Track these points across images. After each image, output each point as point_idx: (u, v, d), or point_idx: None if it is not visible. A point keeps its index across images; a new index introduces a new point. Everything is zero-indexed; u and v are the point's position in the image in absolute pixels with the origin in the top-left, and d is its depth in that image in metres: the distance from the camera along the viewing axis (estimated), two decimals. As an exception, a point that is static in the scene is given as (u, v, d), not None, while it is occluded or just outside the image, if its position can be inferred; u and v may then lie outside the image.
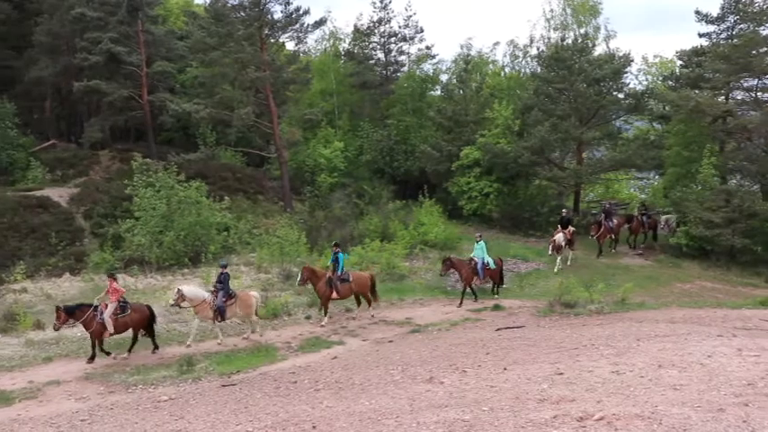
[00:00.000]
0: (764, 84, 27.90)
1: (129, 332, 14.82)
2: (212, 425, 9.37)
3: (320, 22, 34.28)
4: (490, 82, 37.08)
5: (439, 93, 37.98)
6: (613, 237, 26.50)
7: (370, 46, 39.29)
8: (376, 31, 38.63)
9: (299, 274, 17.73)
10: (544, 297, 19.56)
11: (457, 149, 31.30)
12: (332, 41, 41.70)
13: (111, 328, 14.20)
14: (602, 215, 26.56)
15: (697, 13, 29.93)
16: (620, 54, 31.37)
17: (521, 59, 39.05)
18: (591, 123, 30.90)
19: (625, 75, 31.68)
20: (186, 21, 37.73)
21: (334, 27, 41.48)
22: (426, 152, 32.63)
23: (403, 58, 39.61)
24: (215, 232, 24.36)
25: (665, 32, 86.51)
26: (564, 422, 7.13)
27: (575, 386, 9.07)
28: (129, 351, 14.73)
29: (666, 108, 31.07)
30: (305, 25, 32.69)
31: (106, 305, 14.30)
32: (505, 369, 10.80)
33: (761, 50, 26.69)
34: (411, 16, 38.46)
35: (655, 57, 39.54)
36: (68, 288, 20.86)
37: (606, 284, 19.48)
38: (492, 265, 20.13)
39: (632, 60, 31.52)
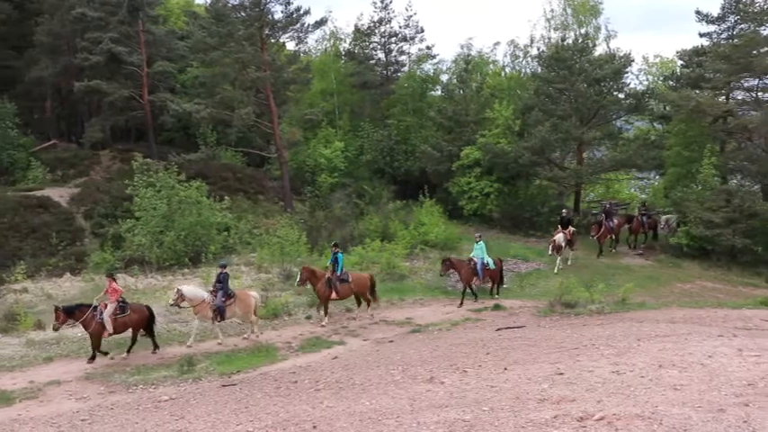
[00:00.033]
0: (765, 84, 27.91)
1: (129, 332, 14.82)
2: (213, 425, 9.37)
3: (321, 22, 34.35)
4: (491, 82, 37.07)
5: (439, 93, 37.96)
6: (614, 237, 26.52)
7: (371, 46, 39.29)
8: (376, 31, 38.62)
9: (298, 275, 17.74)
10: (545, 297, 19.56)
11: (457, 149, 31.28)
12: (332, 41, 41.74)
13: (110, 328, 14.20)
14: (603, 215, 26.57)
15: (698, 12, 29.94)
16: (621, 54, 31.38)
17: (521, 59, 39.13)
18: (591, 123, 30.88)
19: (626, 75, 31.68)
20: (187, 21, 37.75)
21: (335, 27, 41.57)
22: (427, 152, 32.62)
23: (403, 58, 39.64)
24: (215, 232, 24.37)
25: (665, 32, 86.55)
26: (564, 422, 7.13)
27: (575, 386, 9.07)
28: (128, 351, 14.72)
29: (667, 108, 31.05)
30: (305, 25, 32.75)
31: (106, 305, 14.31)
32: (506, 369, 10.80)
33: (761, 50, 26.68)
34: (411, 16, 38.51)
35: (655, 57, 39.68)
36: (69, 288, 20.88)
37: (607, 284, 19.49)
38: (491, 266, 20.11)
39: (633, 60, 31.58)
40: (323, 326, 17.15)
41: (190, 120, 32.71)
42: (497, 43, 61.13)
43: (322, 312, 17.65)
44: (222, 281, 15.78)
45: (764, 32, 27.32)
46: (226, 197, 26.05)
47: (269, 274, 22.02)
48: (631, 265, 24.85)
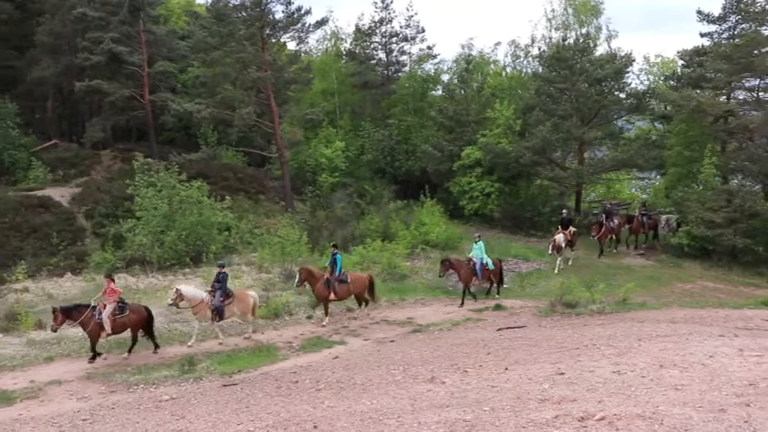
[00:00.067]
0: (766, 83, 27.89)
1: (129, 332, 14.83)
2: (213, 424, 9.37)
3: (322, 22, 34.38)
4: (491, 82, 37.04)
5: (440, 93, 37.93)
6: (614, 237, 26.51)
7: (372, 46, 39.28)
8: (377, 30, 38.61)
9: (297, 275, 17.74)
10: (545, 297, 19.56)
11: (458, 149, 31.26)
12: (333, 41, 41.76)
13: (108, 329, 14.21)
14: (603, 215, 26.56)
15: (699, 12, 29.89)
16: (622, 54, 31.41)
17: (522, 59, 39.08)
18: (592, 123, 30.88)
19: (626, 74, 31.69)
20: (188, 20, 37.78)
21: (336, 27, 41.59)
22: (427, 152, 32.61)
23: (404, 57, 39.62)
24: (216, 232, 24.37)
25: (665, 32, 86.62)
26: (565, 422, 7.13)
27: (576, 386, 9.06)
28: (129, 351, 14.73)
29: (668, 108, 31.02)
30: (306, 25, 32.77)
31: (104, 305, 14.31)
32: (507, 369, 10.80)
33: (762, 50, 26.66)
34: (412, 16, 38.47)
35: (656, 56, 39.61)
36: (70, 288, 20.88)
37: (607, 284, 19.48)
38: (491, 266, 20.08)
39: (634, 60, 31.62)
40: (324, 326, 17.16)
41: (191, 119, 32.73)
42: (498, 43, 61.46)
43: (323, 312, 17.66)
44: (221, 281, 15.79)
45: (766, 32, 27.27)
46: (227, 197, 26.04)
47: (270, 273, 22.03)
48: (632, 265, 24.84)
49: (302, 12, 31.87)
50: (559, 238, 23.68)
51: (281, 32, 33.04)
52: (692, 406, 7.46)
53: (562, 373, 9.92)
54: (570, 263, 24.21)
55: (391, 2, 38.05)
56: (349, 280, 17.79)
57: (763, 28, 27.52)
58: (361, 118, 37.77)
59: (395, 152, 35.32)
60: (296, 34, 33.55)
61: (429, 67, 39.70)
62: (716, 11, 29.60)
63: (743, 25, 28.70)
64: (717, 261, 25.12)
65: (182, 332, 16.63)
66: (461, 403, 8.74)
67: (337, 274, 17.60)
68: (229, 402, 10.67)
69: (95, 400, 11.67)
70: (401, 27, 38.50)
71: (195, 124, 33.67)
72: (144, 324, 14.92)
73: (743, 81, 28.02)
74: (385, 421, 8.13)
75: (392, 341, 15.38)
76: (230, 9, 31.20)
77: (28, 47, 35.02)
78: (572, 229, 24.47)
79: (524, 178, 31.52)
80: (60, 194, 28.62)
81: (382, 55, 39.41)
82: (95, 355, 14.25)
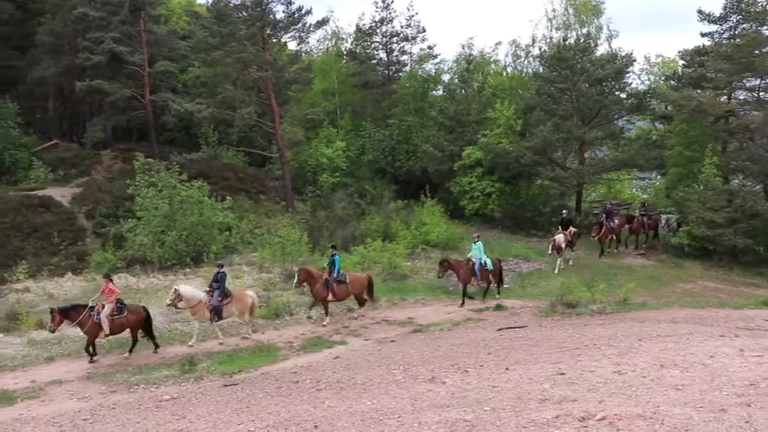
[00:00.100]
0: (767, 83, 27.85)
1: (128, 333, 14.83)
2: (214, 424, 9.38)
3: (322, 22, 34.41)
4: (492, 82, 37.02)
5: (441, 92, 37.94)
6: (615, 237, 26.50)
7: (372, 46, 39.30)
8: (378, 30, 38.63)
9: (296, 276, 17.74)
10: (546, 297, 19.54)
11: (459, 149, 31.25)
12: (334, 41, 41.75)
13: (107, 329, 14.22)
14: (604, 215, 26.55)
15: (699, 12, 29.87)
16: (623, 54, 31.39)
17: (523, 59, 39.08)
18: (593, 123, 30.86)
19: (627, 74, 31.73)
20: (188, 20, 37.80)
21: (337, 27, 41.56)
22: (428, 152, 32.61)
23: (405, 57, 39.63)
24: (217, 232, 24.38)
25: (665, 32, 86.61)
26: (566, 422, 7.13)
27: (576, 386, 9.06)
28: (130, 351, 14.76)
29: (669, 108, 30.99)
30: (307, 25, 32.79)
31: (103, 305, 14.32)
32: (507, 369, 10.80)
33: (763, 50, 26.64)
34: (413, 16, 38.47)
35: (657, 56, 39.58)
36: (71, 288, 20.88)
37: (608, 284, 19.44)
38: (489, 266, 20.05)
39: (634, 60, 31.62)
40: (324, 325, 17.17)
41: (191, 119, 32.75)
42: (499, 43, 61.14)
43: (318, 312, 17.68)
44: (219, 280, 15.80)
45: (766, 32, 27.26)
46: (227, 197, 26.05)
47: (270, 273, 22.03)
48: (633, 265, 24.83)
49: (303, 12, 31.90)
50: (559, 238, 23.67)
51: (282, 32, 33.06)
52: (693, 406, 7.46)
53: (563, 373, 9.92)
54: (571, 263, 24.21)
55: (392, 2, 38.11)
56: (347, 280, 17.80)
57: (764, 28, 27.50)
58: (362, 118, 37.77)
59: (395, 152, 35.31)
60: (297, 34, 33.62)
61: (430, 66, 39.79)
62: (717, 11, 29.65)
63: (744, 25, 28.67)
64: (717, 261, 25.10)
65: (182, 332, 16.65)
66: (462, 403, 8.73)
67: (336, 274, 17.61)
68: (230, 402, 10.67)
69: (96, 400, 11.68)
70: (402, 27, 38.55)
71: (196, 124, 33.67)
72: (143, 324, 14.92)
73: (744, 81, 27.99)
74: (385, 421, 8.13)
75: (393, 341, 15.38)
76: (231, 9, 31.21)
77: (29, 47, 35.04)
78: (572, 229, 24.46)
79: (525, 178, 31.51)
80: (61, 194, 28.63)
81: (383, 55, 39.43)
82: (94, 353, 14.25)
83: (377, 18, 38.37)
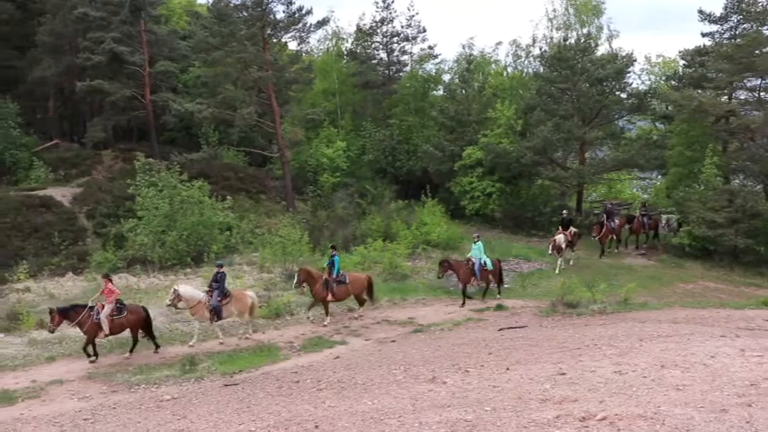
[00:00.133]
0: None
1: (128, 333, 14.83)
2: (215, 424, 9.37)
3: (323, 22, 34.42)
4: (493, 82, 37.03)
5: (441, 92, 37.97)
6: (615, 237, 26.50)
7: (373, 46, 39.33)
8: (378, 30, 38.66)
9: (295, 276, 17.74)
10: (547, 297, 19.53)
11: (459, 149, 31.27)
12: (334, 41, 41.78)
13: (106, 329, 14.22)
14: (604, 215, 26.54)
15: (700, 12, 29.85)
16: (623, 54, 31.43)
17: (523, 59, 39.11)
18: (594, 123, 30.86)
19: (628, 74, 31.73)
20: (189, 20, 37.81)
21: (337, 27, 41.62)
22: (429, 152, 32.61)
23: (405, 57, 39.67)
24: (217, 232, 24.39)
25: (666, 32, 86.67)
26: (566, 422, 7.12)
27: (577, 386, 9.06)
28: (131, 351, 14.77)
29: (669, 108, 30.99)
30: (307, 25, 32.82)
31: (103, 306, 14.32)
32: (508, 369, 10.80)
33: (764, 50, 26.62)
34: (413, 16, 38.52)
35: (657, 56, 39.57)
36: (71, 287, 20.89)
37: (609, 284, 19.43)
38: (489, 266, 20.03)
39: (635, 60, 31.63)
40: (325, 325, 17.17)
41: (192, 119, 32.75)
42: (499, 43, 61.26)
43: (317, 313, 17.67)
44: (219, 280, 15.80)
45: (767, 32, 27.25)
46: (228, 197, 26.06)
47: (271, 273, 22.04)
48: (633, 265, 24.83)
49: (303, 12, 31.92)
50: (559, 238, 23.67)
51: (283, 32, 33.08)
52: (694, 406, 7.45)
53: (563, 374, 9.91)
54: (571, 263, 24.21)
55: (392, 2, 38.17)
56: (347, 281, 17.80)
57: (765, 28, 27.49)
58: (363, 118, 37.78)
59: (396, 152, 35.33)
60: (297, 34, 33.64)
61: (430, 66, 39.84)
62: (717, 11, 29.62)
63: (744, 25, 28.66)
64: (718, 261, 25.10)
65: (183, 332, 16.65)
66: (463, 403, 8.73)
67: (335, 275, 17.61)
68: (231, 402, 10.67)
69: (97, 400, 11.68)
70: (402, 27, 38.60)
71: (196, 124, 33.68)
72: (143, 324, 14.93)
73: (744, 81, 27.98)
74: (386, 421, 8.12)
75: (393, 341, 15.38)
76: (231, 9, 31.22)
77: (29, 47, 35.06)
78: (573, 229, 24.46)
79: (525, 178, 31.51)
80: (62, 194, 28.65)
81: (383, 55, 39.46)
82: (94, 353, 14.25)
83: (377, 18, 38.49)
